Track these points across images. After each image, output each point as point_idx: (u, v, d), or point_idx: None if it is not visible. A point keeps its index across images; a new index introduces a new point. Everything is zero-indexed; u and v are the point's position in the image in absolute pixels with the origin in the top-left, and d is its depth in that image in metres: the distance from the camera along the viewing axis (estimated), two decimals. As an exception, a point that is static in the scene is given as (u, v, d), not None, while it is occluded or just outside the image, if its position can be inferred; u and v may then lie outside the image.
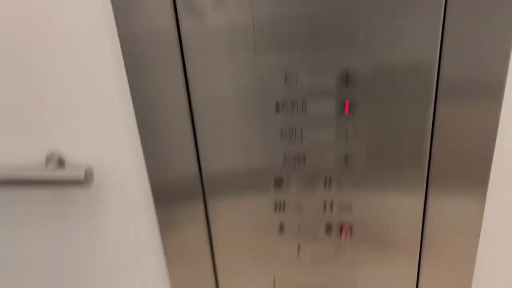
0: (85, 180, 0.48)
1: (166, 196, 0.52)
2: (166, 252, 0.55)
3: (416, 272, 0.54)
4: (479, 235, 0.51)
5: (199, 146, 0.49)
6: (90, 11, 0.44)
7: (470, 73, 0.43)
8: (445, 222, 0.50)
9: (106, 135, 0.50)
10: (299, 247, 0.53)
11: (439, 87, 0.44)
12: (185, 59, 0.45)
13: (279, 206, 0.51)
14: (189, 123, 0.47)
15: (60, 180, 0.49)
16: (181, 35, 0.43)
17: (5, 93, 0.49)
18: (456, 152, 0.46)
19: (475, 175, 0.47)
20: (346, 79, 0.44)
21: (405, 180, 0.48)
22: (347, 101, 0.45)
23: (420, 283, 0.54)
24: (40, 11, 0.45)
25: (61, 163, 0.52)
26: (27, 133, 0.51)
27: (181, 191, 0.51)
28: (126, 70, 0.45)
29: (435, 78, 0.43)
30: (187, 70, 0.45)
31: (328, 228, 0.52)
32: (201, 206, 0.52)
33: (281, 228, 0.52)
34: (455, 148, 0.46)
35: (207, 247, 0.55)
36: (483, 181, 0.48)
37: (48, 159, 0.52)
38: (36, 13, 0.45)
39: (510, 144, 0.47)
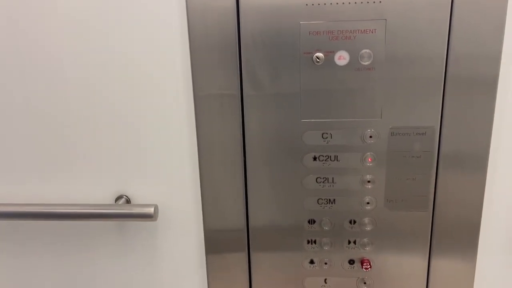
0: (154, 215, 0.59)
1: (216, 243, 0.62)
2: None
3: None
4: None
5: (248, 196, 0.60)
6: (169, 68, 0.57)
7: (463, 144, 0.56)
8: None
9: (170, 181, 0.62)
10: (325, 279, 0.63)
11: (440, 155, 0.57)
12: (244, 120, 0.57)
13: (311, 242, 0.62)
14: (241, 173, 0.59)
15: (132, 214, 0.59)
16: (243, 99, 0.56)
17: (86, 139, 0.60)
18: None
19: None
20: (368, 138, 0.57)
21: (412, 224, 0.60)
22: (369, 156, 0.58)
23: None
24: (119, 54, 0.58)
25: (127, 202, 0.63)
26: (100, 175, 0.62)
27: (230, 241, 0.62)
28: (197, 127, 0.58)
29: (437, 145, 0.57)
30: (245, 130, 0.58)
31: (351, 262, 0.62)
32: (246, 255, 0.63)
33: (311, 261, 0.63)
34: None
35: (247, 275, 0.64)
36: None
37: (117, 199, 0.62)
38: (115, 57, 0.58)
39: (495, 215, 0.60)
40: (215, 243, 0.63)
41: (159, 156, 0.61)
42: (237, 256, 0.63)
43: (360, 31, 0.53)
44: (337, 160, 0.58)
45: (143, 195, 0.62)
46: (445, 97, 0.55)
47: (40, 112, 0.60)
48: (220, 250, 0.63)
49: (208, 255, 0.63)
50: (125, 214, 0.59)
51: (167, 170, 0.61)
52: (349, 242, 0.62)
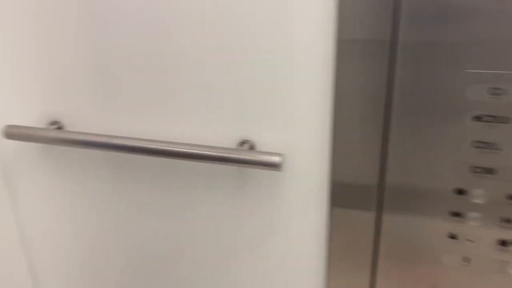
0: (280, 165, 0.54)
1: (342, 199, 0.56)
2: (329, 252, 0.60)
3: None
4: None
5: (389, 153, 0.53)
6: (309, 5, 0.50)
7: None
8: None
9: (298, 127, 0.56)
10: (466, 258, 0.55)
11: None
12: (395, 68, 0.49)
13: (455, 215, 0.53)
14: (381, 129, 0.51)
15: (257, 161, 0.55)
16: (398, 44, 0.48)
17: (214, 84, 0.56)
18: None
19: None
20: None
21: None
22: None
23: None
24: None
25: (252, 148, 0.58)
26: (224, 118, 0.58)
27: (359, 198, 0.56)
28: (336, 73, 0.50)
29: None
30: (395, 80, 0.49)
31: (502, 243, 0.53)
32: (374, 216, 0.56)
33: (452, 236, 0.54)
34: None
35: (370, 252, 0.58)
36: None
37: (241, 143, 0.58)
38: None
39: None
40: (343, 198, 0.57)
41: (289, 101, 0.55)
42: (365, 214, 0.57)
43: None
44: (507, 122, 0.48)
45: (267, 140, 0.58)
46: None
47: (164, 51, 0.56)
48: (347, 206, 0.57)
49: (333, 209, 0.58)
50: (249, 161, 0.55)
51: (295, 116, 0.55)
52: (504, 221, 0.52)
